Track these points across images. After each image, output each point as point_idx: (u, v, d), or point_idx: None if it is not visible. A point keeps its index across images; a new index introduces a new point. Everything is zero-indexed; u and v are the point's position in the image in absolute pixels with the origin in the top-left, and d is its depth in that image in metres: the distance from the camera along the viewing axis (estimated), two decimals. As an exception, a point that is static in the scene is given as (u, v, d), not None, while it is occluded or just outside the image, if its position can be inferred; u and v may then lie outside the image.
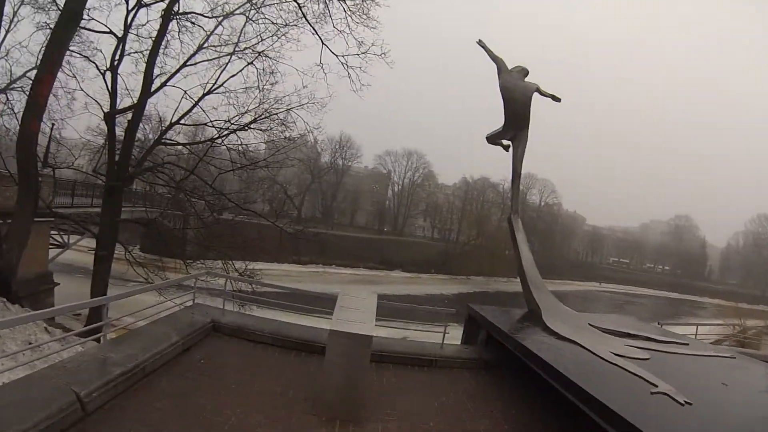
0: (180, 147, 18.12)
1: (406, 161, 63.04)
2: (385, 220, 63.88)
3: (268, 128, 16.52)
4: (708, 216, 73.15)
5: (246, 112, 16.30)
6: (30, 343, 7.74)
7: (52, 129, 17.52)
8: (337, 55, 16.47)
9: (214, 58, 16.86)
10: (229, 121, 16.58)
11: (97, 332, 6.08)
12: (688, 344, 7.21)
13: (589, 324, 7.30)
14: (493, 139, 9.36)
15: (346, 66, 16.57)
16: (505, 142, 9.30)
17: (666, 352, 6.48)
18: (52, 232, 18.70)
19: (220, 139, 16.82)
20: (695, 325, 12.64)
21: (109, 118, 15.24)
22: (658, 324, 14.07)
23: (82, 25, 15.16)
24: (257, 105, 16.65)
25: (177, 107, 16.46)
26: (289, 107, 16.78)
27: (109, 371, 4.68)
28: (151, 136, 17.81)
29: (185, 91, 16.49)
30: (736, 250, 70.69)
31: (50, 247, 18.22)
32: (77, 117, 17.32)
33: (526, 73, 8.60)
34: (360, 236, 56.06)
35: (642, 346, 6.57)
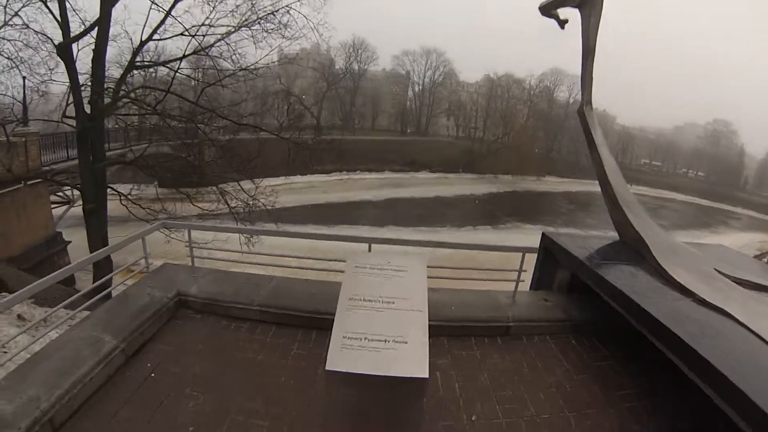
0: (180, 74, 14.42)
1: (425, 60, 56.92)
2: (408, 121, 59.53)
3: (257, 23, 12.67)
4: (749, 123, 62.47)
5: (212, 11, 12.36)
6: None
7: (24, 81, 14.15)
8: None
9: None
10: (210, 25, 12.83)
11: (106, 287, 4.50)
12: None
13: (715, 269, 4.56)
14: (548, 8, 5.98)
15: None
16: (562, 16, 5.98)
17: None
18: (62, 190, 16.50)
19: (203, 50, 13.13)
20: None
21: (65, 49, 11.72)
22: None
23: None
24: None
25: (145, 22, 12.62)
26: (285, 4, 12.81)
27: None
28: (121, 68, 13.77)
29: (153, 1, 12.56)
30: (775, 161, 62.81)
31: (54, 206, 16.16)
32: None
33: None
34: (383, 139, 52.77)
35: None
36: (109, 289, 4.45)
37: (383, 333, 2.23)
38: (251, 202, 13.47)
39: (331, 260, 5.02)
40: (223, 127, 14.17)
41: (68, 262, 13.60)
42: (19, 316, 6.93)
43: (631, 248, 5.08)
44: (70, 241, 15.10)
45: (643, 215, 5.41)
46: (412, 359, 2.12)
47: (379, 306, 2.40)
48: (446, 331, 4.44)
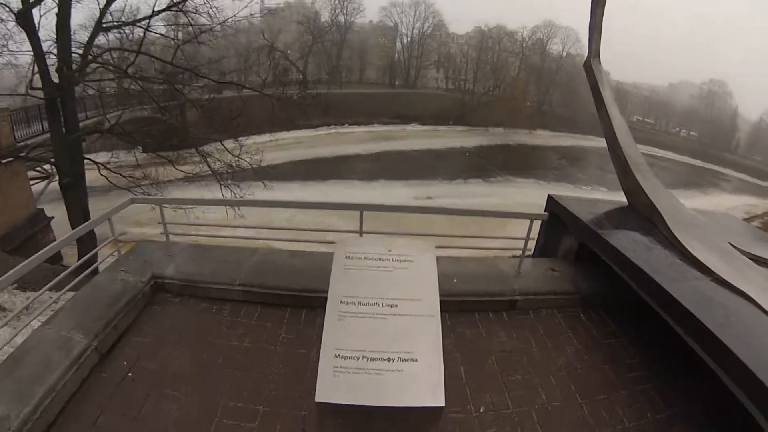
0: (152, 33, 13.03)
1: (413, 12, 53.87)
2: (396, 74, 57.00)
3: None
4: (744, 86, 58.23)
5: None
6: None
7: None
8: None
9: None
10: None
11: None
12: None
13: (730, 244, 4.19)
14: None
15: None
16: None
17: None
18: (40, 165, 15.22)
19: (176, 6, 11.79)
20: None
21: (24, 16, 10.36)
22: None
23: None
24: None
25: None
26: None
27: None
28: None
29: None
30: (768, 126, 61.02)
31: (33, 182, 15.03)
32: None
33: None
34: (371, 92, 50.63)
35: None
36: (96, 264, 3.95)
37: (386, 348, 1.77)
38: (235, 163, 12.63)
39: (318, 230, 4.55)
40: (203, 86, 13.07)
41: (53, 239, 12.92)
42: (0, 307, 6.48)
43: (642, 215, 4.68)
44: (53, 217, 14.24)
45: (654, 180, 5.00)
46: (424, 383, 1.69)
47: (379, 311, 1.93)
48: (449, 306, 3.99)
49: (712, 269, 3.48)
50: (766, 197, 25.73)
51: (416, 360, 1.77)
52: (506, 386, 3.32)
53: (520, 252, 4.63)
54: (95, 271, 4.05)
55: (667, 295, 3.20)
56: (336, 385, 1.69)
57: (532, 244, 4.67)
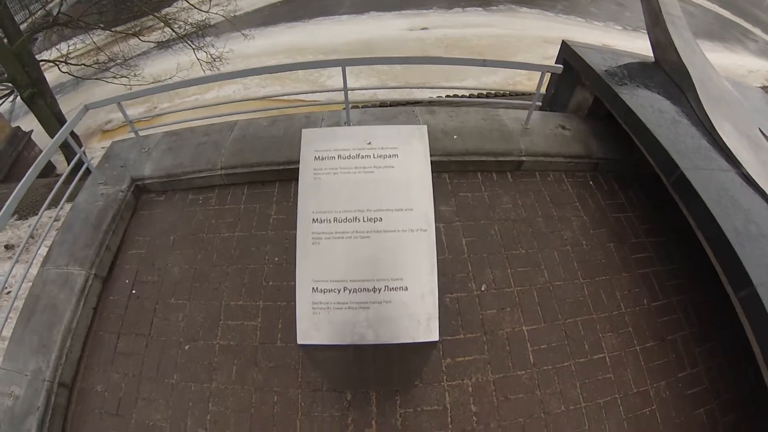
0: None
1: None
2: None
3: None
4: None
5: None
6: None
7: None
8: None
9: None
10: None
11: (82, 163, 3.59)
12: None
13: (760, 131, 3.50)
14: None
15: None
16: None
17: None
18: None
19: None
20: None
21: None
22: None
23: None
24: None
25: None
26: None
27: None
28: None
29: None
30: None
31: None
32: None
33: None
34: None
35: None
36: (86, 163, 3.58)
37: (371, 276, 1.47)
38: (206, 19, 10.78)
39: (297, 94, 3.94)
40: None
41: (39, 152, 11.98)
42: (7, 246, 6.30)
43: (668, 77, 3.92)
44: (32, 131, 12.98)
45: (689, 36, 4.17)
46: (415, 315, 1.44)
47: (360, 228, 1.56)
48: (450, 166, 3.78)
49: (741, 162, 3.00)
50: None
51: (406, 288, 1.49)
52: (509, 262, 3.19)
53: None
54: (88, 172, 3.68)
55: (686, 182, 2.81)
56: (317, 324, 1.46)
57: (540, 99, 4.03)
